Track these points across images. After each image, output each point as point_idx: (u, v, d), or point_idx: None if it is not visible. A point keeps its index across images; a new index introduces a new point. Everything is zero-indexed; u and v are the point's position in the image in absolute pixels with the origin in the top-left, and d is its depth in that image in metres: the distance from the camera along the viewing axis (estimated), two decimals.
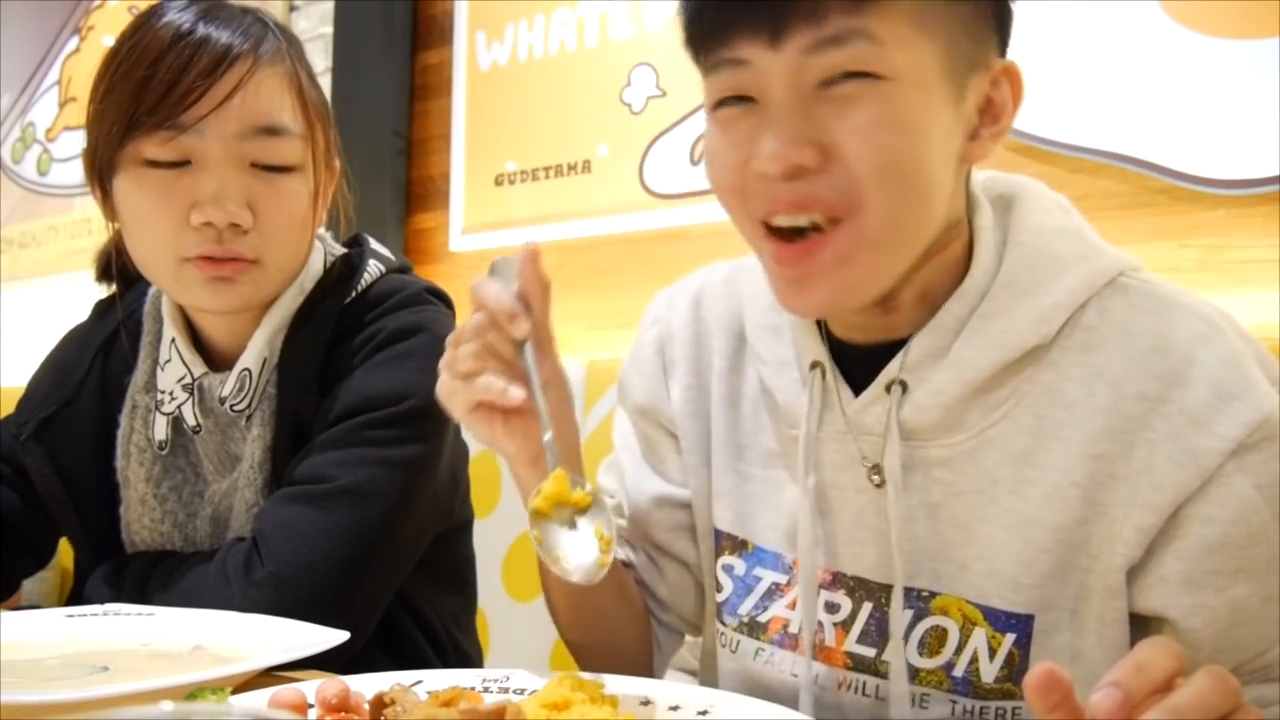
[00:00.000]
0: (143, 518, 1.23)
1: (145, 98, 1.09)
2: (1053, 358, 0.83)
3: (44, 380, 1.31)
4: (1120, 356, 0.81)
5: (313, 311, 1.20)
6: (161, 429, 1.23)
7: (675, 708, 0.76)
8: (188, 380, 1.20)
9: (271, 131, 1.13)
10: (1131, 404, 0.79)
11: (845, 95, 0.76)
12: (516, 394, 0.84)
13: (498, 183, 2.54)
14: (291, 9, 2.99)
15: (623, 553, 1.05)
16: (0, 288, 3.61)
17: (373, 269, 1.24)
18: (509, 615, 1.86)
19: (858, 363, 0.89)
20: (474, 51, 2.60)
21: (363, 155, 2.67)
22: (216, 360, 1.23)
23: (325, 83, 2.82)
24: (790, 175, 0.77)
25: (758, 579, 0.96)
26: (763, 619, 0.95)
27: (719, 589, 0.99)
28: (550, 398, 0.87)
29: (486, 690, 0.80)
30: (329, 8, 2.87)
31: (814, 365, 0.90)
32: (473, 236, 2.58)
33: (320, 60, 2.87)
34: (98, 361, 1.29)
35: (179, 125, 1.09)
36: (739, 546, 0.98)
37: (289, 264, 1.18)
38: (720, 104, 0.82)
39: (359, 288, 1.22)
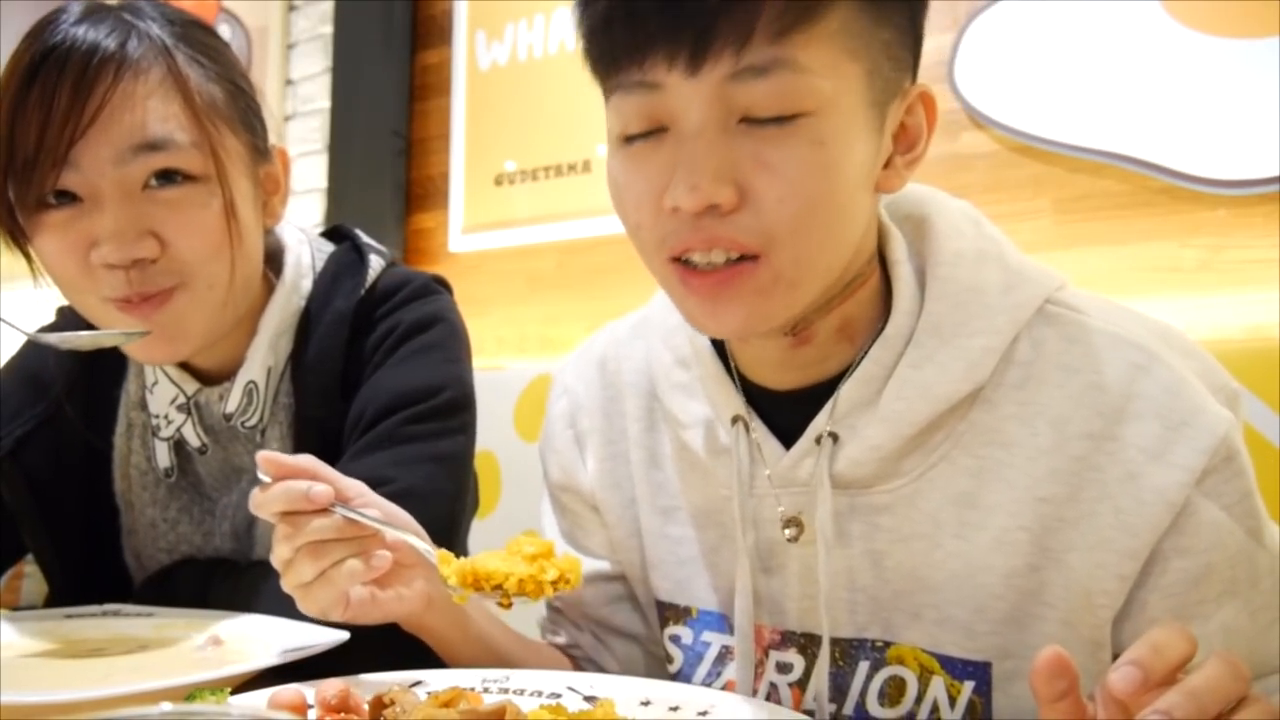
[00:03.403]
0: (157, 541, 1.18)
1: (18, 138, 0.98)
2: (987, 395, 0.80)
3: (14, 392, 1.21)
4: (1060, 395, 0.78)
5: (320, 314, 1.13)
6: (164, 455, 1.16)
7: (675, 708, 0.76)
8: (181, 400, 1.13)
9: (154, 147, 1.00)
10: (1076, 444, 0.77)
11: (767, 135, 0.73)
12: (383, 556, 0.81)
13: (497, 182, 2.54)
14: (291, 9, 2.99)
15: (562, 636, 1.03)
16: None
17: (375, 263, 1.18)
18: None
19: (778, 409, 0.87)
20: (474, 51, 2.60)
21: (362, 155, 2.67)
22: (206, 374, 1.15)
23: (325, 83, 2.82)
24: (706, 213, 0.74)
25: (706, 644, 0.93)
26: (717, 686, 0.91)
27: (670, 660, 0.95)
28: (384, 514, 0.84)
29: (486, 690, 0.80)
30: (328, 8, 2.87)
31: (735, 419, 0.87)
32: (472, 236, 2.58)
33: (320, 60, 2.87)
34: (78, 373, 1.19)
35: (53, 160, 0.98)
36: (682, 615, 0.94)
37: (218, 279, 1.05)
38: (629, 139, 0.77)
39: (367, 283, 1.16)
